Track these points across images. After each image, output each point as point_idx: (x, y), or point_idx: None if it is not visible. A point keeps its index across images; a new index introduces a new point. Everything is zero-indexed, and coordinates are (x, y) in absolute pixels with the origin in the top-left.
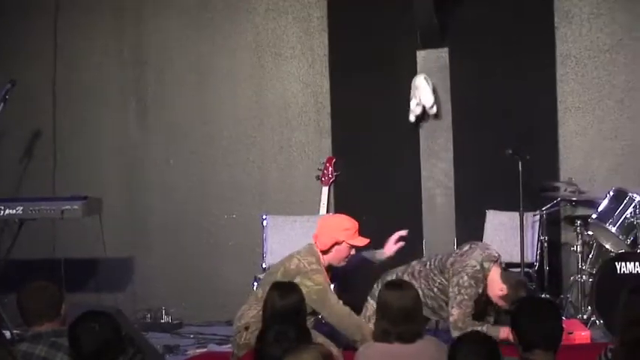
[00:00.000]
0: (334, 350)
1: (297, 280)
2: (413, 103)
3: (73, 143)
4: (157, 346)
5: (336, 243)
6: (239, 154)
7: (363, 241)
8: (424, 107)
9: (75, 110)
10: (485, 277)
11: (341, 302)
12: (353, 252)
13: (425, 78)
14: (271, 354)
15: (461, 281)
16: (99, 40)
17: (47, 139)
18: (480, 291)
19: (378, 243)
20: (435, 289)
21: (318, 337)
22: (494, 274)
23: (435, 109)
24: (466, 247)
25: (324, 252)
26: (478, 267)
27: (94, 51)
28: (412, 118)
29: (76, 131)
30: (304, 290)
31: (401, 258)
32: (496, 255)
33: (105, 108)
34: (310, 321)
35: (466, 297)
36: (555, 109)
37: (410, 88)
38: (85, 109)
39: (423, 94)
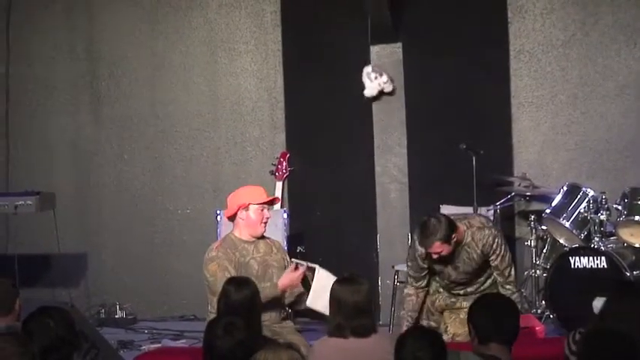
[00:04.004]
0: (303, 349)
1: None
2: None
3: (26, 139)
4: (111, 342)
5: (241, 207)
6: (193, 150)
7: (269, 198)
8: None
9: (28, 105)
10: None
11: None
12: (267, 214)
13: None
14: (220, 345)
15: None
16: (52, 34)
17: (0, 134)
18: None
19: (332, 239)
20: None
21: (290, 335)
22: None
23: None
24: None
25: (232, 219)
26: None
27: (47, 46)
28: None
29: (29, 127)
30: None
31: (354, 257)
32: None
33: (58, 103)
34: (281, 314)
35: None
36: (509, 104)
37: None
38: (39, 105)
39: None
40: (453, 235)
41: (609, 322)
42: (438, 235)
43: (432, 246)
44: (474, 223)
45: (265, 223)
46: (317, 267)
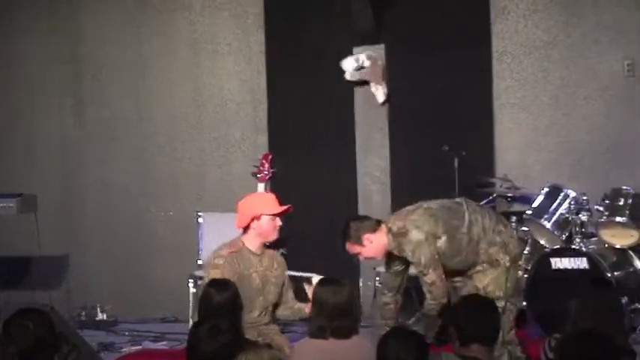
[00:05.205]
0: (287, 349)
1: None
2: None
3: (8, 140)
4: (91, 344)
5: (254, 218)
6: (176, 151)
7: (282, 208)
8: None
9: (11, 107)
10: None
11: None
12: (279, 222)
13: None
14: (204, 349)
15: None
16: (36, 37)
17: None
18: None
19: (314, 241)
20: None
21: (275, 335)
22: None
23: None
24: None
25: (246, 231)
26: None
27: (31, 48)
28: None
29: (11, 128)
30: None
31: (336, 259)
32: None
33: (41, 105)
34: (264, 316)
35: None
36: (491, 106)
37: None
38: (22, 106)
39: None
40: (364, 237)
41: (581, 322)
42: (345, 238)
43: (346, 248)
44: (393, 229)
45: (277, 229)
46: (313, 276)
